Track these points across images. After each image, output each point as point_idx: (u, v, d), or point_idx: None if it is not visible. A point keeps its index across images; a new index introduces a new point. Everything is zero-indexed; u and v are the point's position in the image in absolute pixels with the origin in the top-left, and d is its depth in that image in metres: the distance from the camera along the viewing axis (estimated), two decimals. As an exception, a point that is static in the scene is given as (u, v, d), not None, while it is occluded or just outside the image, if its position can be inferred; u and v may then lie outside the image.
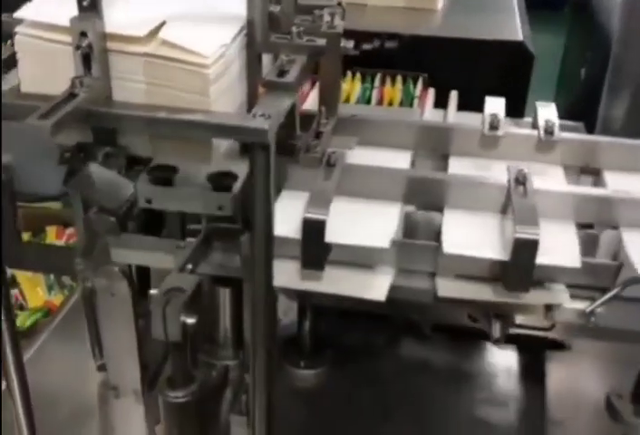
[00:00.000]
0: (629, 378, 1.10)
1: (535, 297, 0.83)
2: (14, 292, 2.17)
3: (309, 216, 0.81)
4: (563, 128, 1.21)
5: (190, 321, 0.77)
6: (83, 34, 0.73)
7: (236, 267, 0.90)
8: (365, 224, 0.87)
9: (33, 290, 2.16)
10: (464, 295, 0.84)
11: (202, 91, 0.77)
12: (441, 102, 1.33)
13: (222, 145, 0.84)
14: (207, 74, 0.76)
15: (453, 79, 1.38)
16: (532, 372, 1.20)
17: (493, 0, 1.61)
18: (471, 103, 1.16)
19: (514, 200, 0.83)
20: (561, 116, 1.89)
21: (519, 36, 1.38)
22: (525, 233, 0.77)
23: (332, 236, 0.83)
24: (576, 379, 1.17)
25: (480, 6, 1.55)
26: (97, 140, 0.80)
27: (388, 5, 1.55)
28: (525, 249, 0.78)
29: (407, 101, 1.28)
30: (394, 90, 1.31)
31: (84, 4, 0.73)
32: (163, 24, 0.79)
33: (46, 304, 2.06)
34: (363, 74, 1.35)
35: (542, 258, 0.79)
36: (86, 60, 0.74)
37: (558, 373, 1.19)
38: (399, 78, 1.33)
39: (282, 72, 0.80)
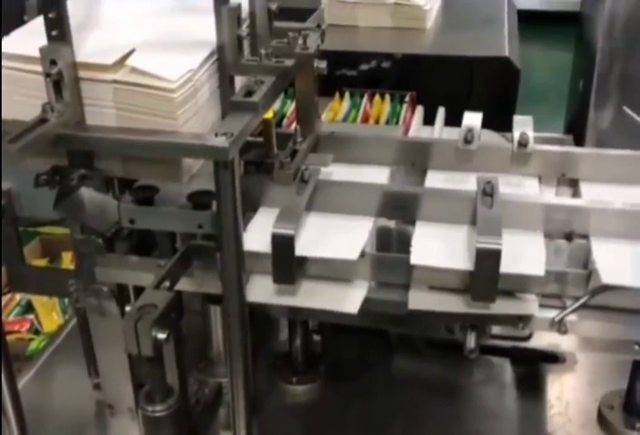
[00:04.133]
0: (620, 389, 1.10)
1: (504, 308, 0.84)
2: (31, 317, 2.22)
3: (277, 231, 0.83)
4: (550, 141, 1.22)
5: (162, 336, 0.79)
6: (53, 62, 0.77)
7: (214, 284, 0.92)
8: (336, 237, 0.88)
9: (49, 315, 2.20)
10: (434, 307, 0.85)
11: (170, 114, 0.80)
12: (431, 119, 1.35)
13: (195, 165, 0.87)
14: (173, 98, 0.79)
15: (443, 95, 1.40)
16: (524, 385, 1.19)
17: (482, 17, 1.63)
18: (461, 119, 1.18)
19: (479, 211, 0.84)
20: (565, 129, 1.89)
21: (505, 52, 1.40)
22: (487, 243, 0.79)
23: (303, 249, 0.85)
24: (568, 391, 1.17)
25: (469, 24, 1.58)
26: (73, 163, 0.84)
27: (379, 26, 1.58)
28: (487, 259, 0.79)
29: (393, 119, 1.31)
30: (381, 109, 1.33)
31: (53, 33, 0.76)
32: (132, 51, 0.82)
33: (60, 328, 2.09)
34: (351, 94, 1.38)
35: (506, 267, 0.79)
36: (57, 86, 0.78)
37: (551, 385, 1.18)
38: (387, 97, 1.36)
39: (249, 93, 0.83)
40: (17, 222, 1.08)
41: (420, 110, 1.35)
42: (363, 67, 1.51)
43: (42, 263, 2.48)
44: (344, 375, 1.21)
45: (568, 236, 0.88)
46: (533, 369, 1.21)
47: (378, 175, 1.02)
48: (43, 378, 1.25)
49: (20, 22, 0.91)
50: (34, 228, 2.45)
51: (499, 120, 1.17)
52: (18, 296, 2.24)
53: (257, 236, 0.87)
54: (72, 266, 2.15)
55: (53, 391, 1.23)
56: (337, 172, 1.00)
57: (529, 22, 1.81)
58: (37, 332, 2.17)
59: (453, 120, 1.30)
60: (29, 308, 2.24)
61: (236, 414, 0.91)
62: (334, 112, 1.32)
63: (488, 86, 1.40)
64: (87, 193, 0.93)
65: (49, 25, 0.76)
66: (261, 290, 0.89)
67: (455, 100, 1.36)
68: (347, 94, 1.37)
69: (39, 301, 2.21)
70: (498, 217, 0.82)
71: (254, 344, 0.90)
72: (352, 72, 1.52)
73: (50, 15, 0.76)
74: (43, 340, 2.05)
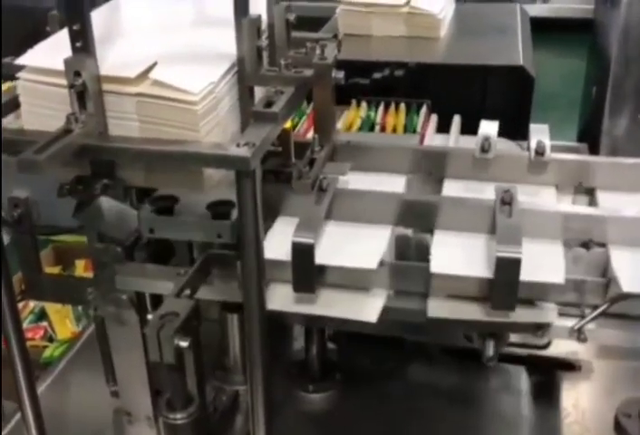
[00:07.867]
0: (637, 397, 1.10)
1: (523, 316, 0.84)
2: (44, 324, 2.23)
3: (297, 239, 0.84)
4: (565, 149, 1.22)
5: (184, 344, 0.79)
6: (77, 74, 0.78)
7: (233, 292, 0.93)
8: (355, 246, 0.89)
9: (62, 322, 2.21)
10: (453, 316, 0.86)
11: (192, 126, 0.81)
12: (445, 127, 1.36)
13: (216, 174, 0.88)
14: (196, 111, 0.80)
15: (457, 104, 1.41)
16: (540, 393, 1.19)
17: (496, 25, 1.64)
18: (476, 127, 1.19)
19: (498, 220, 0.85)
20: (578, 137, 1.89)
21: (520, 61, 1.40)
22: (507, 251, 0.79)
23: (321, 258, 0.86)
24: (584, 399, 1.17)
25: (483, 32, 1.59)
26: (95, 172, 0.84)
27: (393, 35, 1.59)
28: (507, 268, 0.79)
29: (411, 127, 1.31)
30: (398, 117, 1.34)
31: (77, 45, 0.77)
32: (155, 64, 0.83)
33: (74, 335, 2.10)
34: (368, 103, 1.39)
35: (526, 275, 0.80)
36: (81, 97, 0.79)
37: (567, 393, 1.18)
38: (402, 106, 1.36)
39: (269, 103, 0.84)
40: (34, 231, 1.09)
41: (434, 118, 1.36)
42: (377, 76, 1.52)
43: (55, 271, 2.49)
44: (360, 383, 1.21)
45: (586, 245, 0.88)
46: (549, 377, 1.21)
47: (395, 184, 1.03)
48: (61, 385, 1.26)
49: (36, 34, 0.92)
50: (47, 236, 2.46)
51: (513, 129, 1.18)
52: (32, 304, 2.26)
53: (277, 244, 0.88)
54: (85, 274, 2.17)
55: (70, 398, 1.24)
56: (354, 181, 1.01)
57: (540, 29, 1.81)
58: (51, 339, 2.18)
59: (467, 128, 1.31)
60: (43, 315, 2.25)
61: (255, 422, 0.92)
62: (350, 121, 1.32)
63: (502, 95, 1.41)
64: (106, 202, 0.94)
65: (73, 37, 0.77)
66: (280, 298, 0.89)
67: (469, 108, 1.36)
68: (364, 104, 1.37)
69: (53, 308, 2.23)
70: (517, 226, 0.83)
71: (270, 352, 0.91)
72: (365, 82, 1.53)
73: (74, 27, 0.77)
74: (58, 347, 2.06)
